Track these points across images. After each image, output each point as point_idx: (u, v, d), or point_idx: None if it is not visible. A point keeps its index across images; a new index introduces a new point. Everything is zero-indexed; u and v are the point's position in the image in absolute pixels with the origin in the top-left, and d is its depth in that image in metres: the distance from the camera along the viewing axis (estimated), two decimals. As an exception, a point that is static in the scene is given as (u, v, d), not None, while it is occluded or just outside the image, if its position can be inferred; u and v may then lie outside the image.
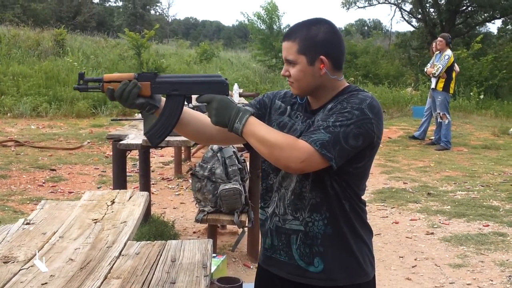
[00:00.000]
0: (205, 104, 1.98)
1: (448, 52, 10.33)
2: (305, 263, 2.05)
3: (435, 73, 10.31)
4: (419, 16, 24.80)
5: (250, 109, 1.97)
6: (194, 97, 2.03)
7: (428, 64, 10.88)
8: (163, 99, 2.05)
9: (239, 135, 1.95)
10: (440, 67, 10.22)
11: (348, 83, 2.08)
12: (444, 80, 10.35)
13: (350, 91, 2.02)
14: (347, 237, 2.04)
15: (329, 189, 1.99)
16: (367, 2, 25.78)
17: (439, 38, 10.62)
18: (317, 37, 1.97)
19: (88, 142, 10.26)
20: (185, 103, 2.03)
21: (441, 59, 10.29)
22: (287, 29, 17.92)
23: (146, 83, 1.98)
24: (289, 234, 2.06)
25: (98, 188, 7.16)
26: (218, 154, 4.72)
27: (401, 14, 25.69)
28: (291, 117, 2.10)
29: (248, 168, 4.92)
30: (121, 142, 4.56)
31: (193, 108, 2.26)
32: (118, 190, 3.53)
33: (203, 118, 2.15)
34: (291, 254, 2.07)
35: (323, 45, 1.97)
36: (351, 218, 2.04)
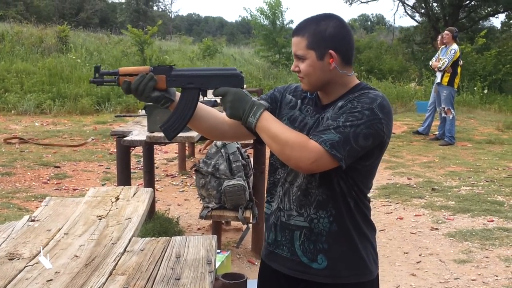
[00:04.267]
0: (220, 97, 1.98)
1: (455, 46, 10.29)
2: (308, 259, 2.06)
3: (440, 67, 10.28)
4: (422, 10, 24.72)
5: (265, 104, 1.99)
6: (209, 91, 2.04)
7: (434, 58, 10.86)
8: (178, 93, 2.06)
9: (252, 129, 1.97)
10: (446, 61, 10.19)
11: (359, 80, 2.08)
12: (449, 74, 10.33)
13: (360, 89, 2.01)
14: (352, 234, 2.04)
15: (335, 186, 2.00)
16: (370, -3, 25.71)
17: (445, 32, 10.58)
18: (326, 32, 1.97)
19: (92, 139, 10.27)
20: (200, 96, 2.03)
21: (447, 53, 10.25)
22: (290, 24, 17.79)
23: (162, 76, 1.99)
24: (293, 230, 2.07)
25: (102, 185, 7.17)
26: (222, 150, 4.71)
27: (404, 9, 25.66)
28: (301, 111, 2.10)
29: (252, 164, 4.92)
30: (125, 138, 4.56)
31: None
32: (122, 187, 3.54)
33: (217, 114, 2.16)
34: (293, 250, 2.08)
35: (332, 40, 1.96)
36: (356, 215, 2.05)
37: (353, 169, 1.96)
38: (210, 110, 2.16)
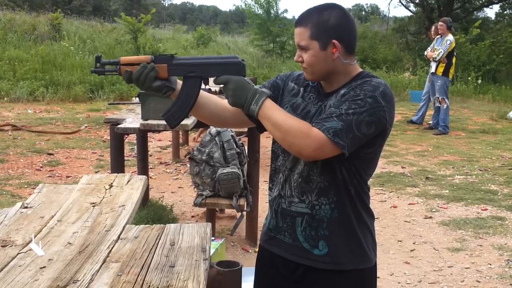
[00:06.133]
0: (222, 85, 1.97)
1: (450, 37, 10.29)
2: (310, 245, 2.06)
3: (435, 58, 10.28)
4: (417, 1, 24.68)
5: (267, 91, 1.97)
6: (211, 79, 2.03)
7: (429, 48, 10.85)
8: (179, 81, 2.05)
9: (255, 117, 1.96)
10: (441, 51, 10.19)
11: (361, 68, 2.07)
12: (444, 64, 10.33)
13: (363, 77, 2.00)
14: (352, 222, 2.04)
15: (337, 173, 1.99)
16: (364, -13, 25.63)
17: (440, 22, 10.58)
18: (329, 22, 1.96)
19: (86, 127, 10.23)
20: (202, 84, 2.02)
21: (443, 43, 10.25)
22: (284, 14, 17.64)
23: (163, 65, 1.97)
24: (295, 217, 2.07)
25: (96, 172, 7.15)
26: (216, 138, 4.70)
27: (399, -2, 25.56)
28: (304, 98, 2.10)
29: (246, 152, 4.90)
30: (118, 126, 4.53)
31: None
32: (116, 174, 3.50)
33: (218, 101, 2.16)
34: (295, 236, 2.08)
35: (335, 30, 1.96)
36: (356, 203, 2.05)
37: (355, 156, 1.95)
38: (211, 97, 2.15)
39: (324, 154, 1.90)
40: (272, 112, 1.93)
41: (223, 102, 2.14)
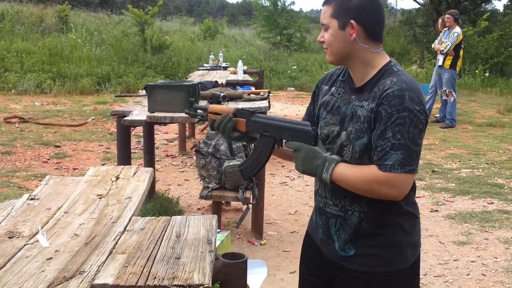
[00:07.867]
0: (293, 150, 2.03)
1: (457, 29, 10.25)
2: (340, 245, 2.10)
3: (443, 50, 10.24)
4: (425, -7, 24.54)
5: (336, 158, 1.99)
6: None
7: (436, 41, 10.80)
8: None
9: (328, 184, 2.00)
10: (448, 44, 10.15)
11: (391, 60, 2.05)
12: (451, 57, 10.28)
13: (383, 75, 1.98)
14: (383, 229, 2.04)
15: None
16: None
17: (446, 15, 10.54)
18: (351, 2, 1.96)
19: (93, 119, 10.25)
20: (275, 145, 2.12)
21: (450, 36, 10.21)
22: (291, 6, 17.53)
23: (242, 120, 2.10)
24: (329, 217, 2.12)
25: (102, 164, 7.16)
26: (223, 131, 4.69)
27: (407, -9, 25.44)
28: (333, 95, 2.12)
29: (253, 145, 4.90)
30: (125, 118, 4.54)
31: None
32: (122, 166, 3.52)
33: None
34: (329, 234, 2.13)
35: (356, 10, 1.95)
36: (390, 211, 2.04)
37: None
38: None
39: (403, 188, 1.93)
40: (343, 178, 1.96)
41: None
